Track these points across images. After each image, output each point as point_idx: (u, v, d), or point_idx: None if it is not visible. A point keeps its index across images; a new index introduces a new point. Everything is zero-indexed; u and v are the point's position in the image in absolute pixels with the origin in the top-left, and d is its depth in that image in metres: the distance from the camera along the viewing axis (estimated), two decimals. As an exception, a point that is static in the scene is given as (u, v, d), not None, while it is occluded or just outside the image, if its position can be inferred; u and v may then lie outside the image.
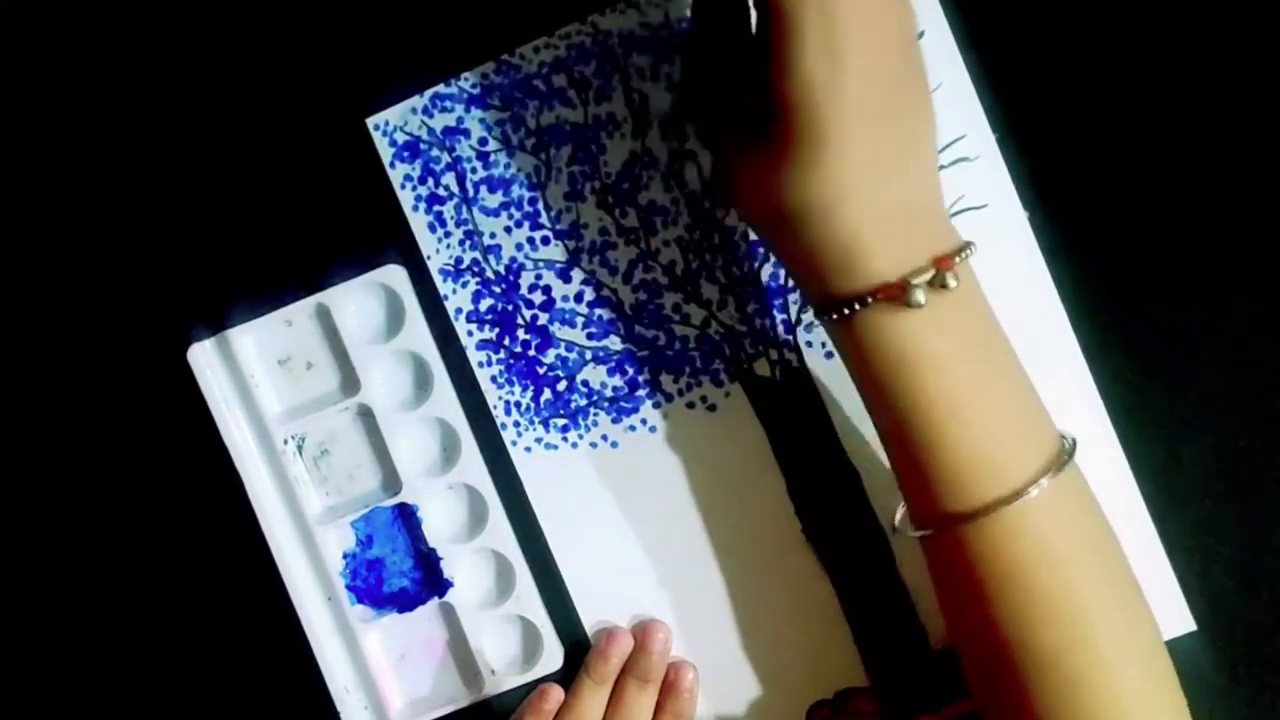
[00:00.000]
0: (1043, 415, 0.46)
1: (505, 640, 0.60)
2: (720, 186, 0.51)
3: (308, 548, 0.59)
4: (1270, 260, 0.54)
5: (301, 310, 0.59)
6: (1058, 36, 0.54)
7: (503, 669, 0.59)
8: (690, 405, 0.57)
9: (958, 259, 0.43)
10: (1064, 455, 0.45)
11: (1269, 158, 0.53)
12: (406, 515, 0.59)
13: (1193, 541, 0.54)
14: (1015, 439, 0.44)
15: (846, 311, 0.44)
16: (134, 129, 0.59)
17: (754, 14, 0.46)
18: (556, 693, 0.58)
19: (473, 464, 0.58)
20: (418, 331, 0.58)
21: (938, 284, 0.42)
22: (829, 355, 0.56)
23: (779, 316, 0.56)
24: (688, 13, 0.55)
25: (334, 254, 0.58)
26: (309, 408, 0.59)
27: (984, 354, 0.45)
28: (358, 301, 0.59)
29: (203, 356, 0.59)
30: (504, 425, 0.58)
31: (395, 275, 0.58)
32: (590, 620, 0.59)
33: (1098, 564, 0.45)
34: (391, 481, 0.59)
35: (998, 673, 0.45)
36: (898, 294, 0.42)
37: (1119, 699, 0.43)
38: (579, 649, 0.59)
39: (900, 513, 0.49)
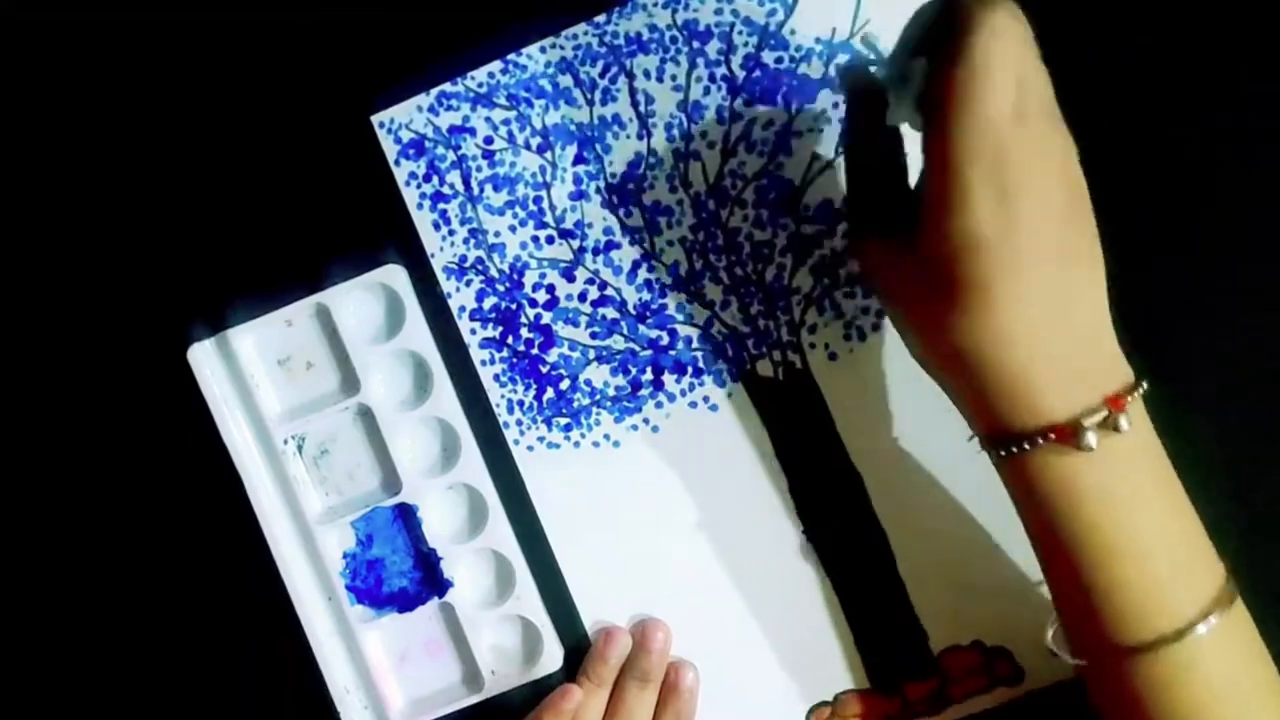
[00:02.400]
0: (1209, 551, 0.45)
1: (505, 640, 0.60)
2: (895, 327, 0.50)
3: (308, 548, 0.59)
4: (1271, 262, 0.54)
5: (301, 310, 0.58)
6: (1063, 43, 0.54)
7: (503, 669, 0.59)
8: (693, 405, 0.57)
9: (1129, 399, 0.42)
10: (1230, 591, 0.44)
11: (1270, 161, 0.54)
12: (406, 515, 0.59)
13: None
14: (1184, 576, 0.44)
15: (1015, 450, 0.43)
16: (134, 127, 0.59)
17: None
18: (578, 694, 0.57)
19: (473, 464, 0.58)
20: (418, 331, 0.58)
21: (1110, 425, 0.42)
22: (832, 357, 0.56)
23: (782, 318, 0.57)
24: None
25: (334, 254, 0.58)
26: (309, 408, 0.59)
27: (1155, 494, 0.44)
28: (358, 301, 0.59)
29: (203, 356, 0.58)
30: (506, 424, 0.58)
31: (395, 275, 0.58)
32: (590, 620, 0.59)
33: (1265, 700, 0.45)
34: (391, 481, 0.59)
35: None
36: (1069, 435, 0.42)
37: None
38: (579, 649, 0.59)
39: (1051, 631, 0.49)
